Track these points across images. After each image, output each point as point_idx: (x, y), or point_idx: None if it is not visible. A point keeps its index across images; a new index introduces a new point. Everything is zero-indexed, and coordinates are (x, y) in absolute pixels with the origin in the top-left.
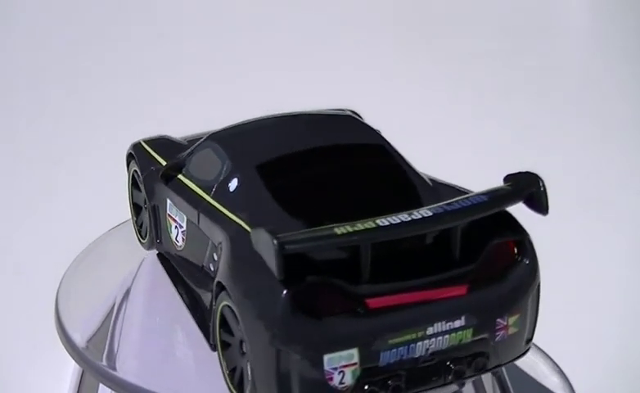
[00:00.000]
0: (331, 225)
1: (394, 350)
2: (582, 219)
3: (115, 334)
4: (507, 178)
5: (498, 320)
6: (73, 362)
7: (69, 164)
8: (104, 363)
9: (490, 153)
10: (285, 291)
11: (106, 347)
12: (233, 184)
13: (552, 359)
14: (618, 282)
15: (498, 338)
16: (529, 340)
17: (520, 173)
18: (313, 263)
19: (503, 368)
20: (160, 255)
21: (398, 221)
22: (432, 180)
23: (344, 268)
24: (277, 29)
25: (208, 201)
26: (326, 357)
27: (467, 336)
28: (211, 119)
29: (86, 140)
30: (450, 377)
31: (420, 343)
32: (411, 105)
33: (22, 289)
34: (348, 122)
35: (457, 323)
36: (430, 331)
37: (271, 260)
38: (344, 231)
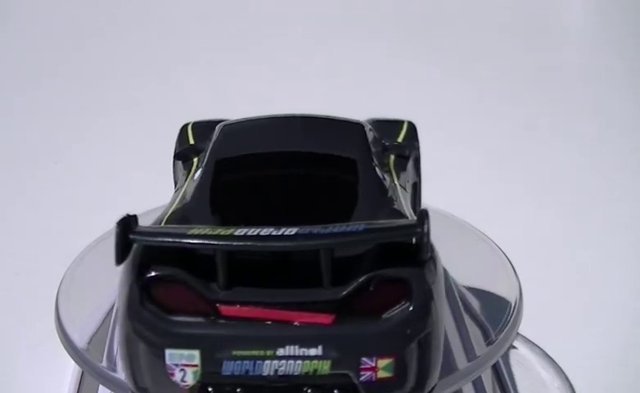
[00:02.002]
0: (192, 226)
1: (239, 362)
2: (582, 218)
3: (115, 334)
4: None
5: (364, 359)
6: (73, 362)
7: (69, 164)
8: (104, 363)
9: (490, 153)
10: (135, 280)
11: (106, 347)
12: (197, 174)
13: (552, 359)
14: (618, 282)
15: (363, 379)
16: (416, 390)
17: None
18: (179, 260)
19: (503, 368)
20: None
21: (255, 234)
22: (396, 208)
23: (208, 271)
24: (278, 28)
25: (185, 187)
26: (167, 351)
27: (324, 367)
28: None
29: (86, 140)
30: None
31: (268, 362)
32: (410, 105)
33: (22, 289)
34: (343, 131)
35: (313, 352)
36: (280, 352)
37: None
38: (196, 233)
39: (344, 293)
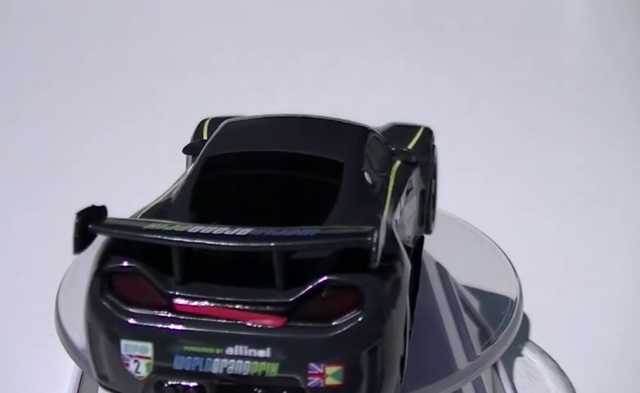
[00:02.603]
0: (151, 220)
1: (190, 358)
2: (583, 218)
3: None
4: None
5: (311, 365)
6: (73, 362)
7: (69, 163)
8: None
9: (490, 153)
10: (97, 271)
11: None
12: (189, 169)
13: (552, 359)
14: (619, 282)
15: (311, 384)
16: None
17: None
18: (143, 253)
19: (502, 368)
20: None
21: (208, 232)
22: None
23: (168, 266)
24: (279, 29)
25: (177, 181)
26: (122, 342)
27: (272, 370)
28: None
29: (86, 139)
30: None
31: (217, 360)
32: (410, 105)
33: (22, 289)
34: (339, 134)
35: (261, 354)
36: (230, 351)
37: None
38: (152, 228)
39: (296, 297)
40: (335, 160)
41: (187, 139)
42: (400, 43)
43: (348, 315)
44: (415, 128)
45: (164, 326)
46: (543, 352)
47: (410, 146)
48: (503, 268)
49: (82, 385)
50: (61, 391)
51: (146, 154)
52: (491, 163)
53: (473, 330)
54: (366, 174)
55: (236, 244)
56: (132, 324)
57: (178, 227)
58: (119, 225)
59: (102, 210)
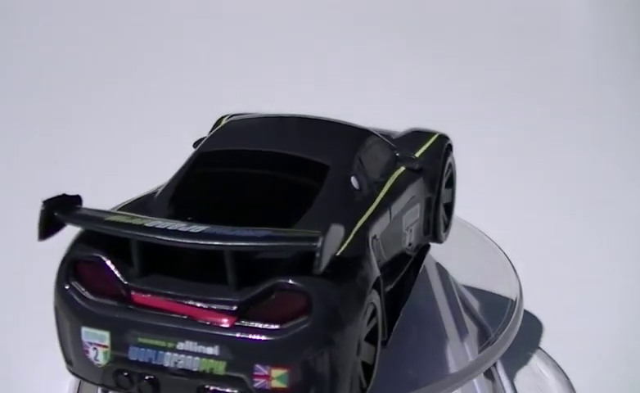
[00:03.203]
0: (117, 213)
1: (143, 350)
2: (583, 218)
3: None
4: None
5: (257, 366)
6: None
7: (68, 163)
8: None
9: (490, 153)
10: (63, 258)
11: None
12: (182, 163)
13: (552, 359)
14: (619, 282)
15: (257, 385)
16: None
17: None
18: (110, 244)
19: (502, 368)
20: None
21: (163, 227)
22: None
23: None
24: (280, 29)
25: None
26: (83, 329)
27: (220, 368)
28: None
29: (86, 138)
30: None
31: (169, 354)
32: (410, 105)
33: (22, 289)
34: (335, 137)
35: (210, 351)
36: (180, 346)
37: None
38: (111, 220)
39: (246, 298)
40: (320, 162)
41: (190, 139)
42: (403, 43)
43: (296, 320)
44: (429, 134)
45: (121, 316)
46: (542, 352)
47: (418, 153)
48: (503, 268)
49: (82, 385)
50: (61, 391)
51: (147, 154)
52: (491, 163)
53: (473, 330)
54: (352, 179)
55: (185, 241)
56: (92, 312)
57: (137, 220)
58: (83, 215)
59: (75, 199)
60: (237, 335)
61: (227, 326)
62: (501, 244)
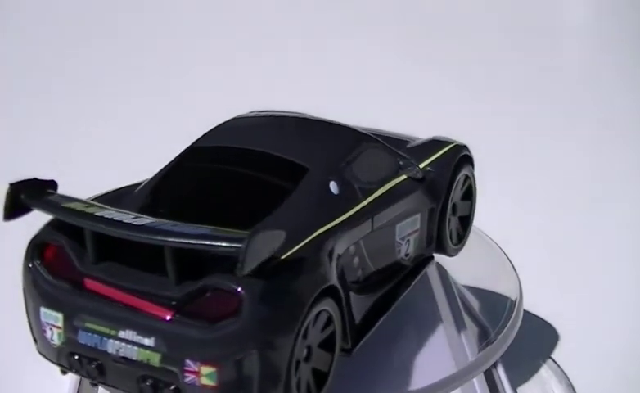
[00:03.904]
0: (80, 200)
1: (90, 335)
2: (583, 218)
3: None
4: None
5: (188, 362)
6: None
7: (68, 163)
8: None
9: (490, 152)
10: (31, 239)
11: None
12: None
13: (552, 359)
14: (619, 282)
15: (187, 381)
16: None
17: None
18: (74, 231)
19: (502, 368)
20: None
21: (109, 217)
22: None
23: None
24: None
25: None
26: (42, 309)
27: (155, 359)
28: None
29: (86, 138)
30: (141, 388)
31: (112, 341)
32: (410, 105)
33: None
34: (327, 139)
35: (147, 341)
36: (122, 334)
37: None
38: (64, 206)
39: (183, 293)
40: (300, 164)
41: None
42: (403, 44)
43: (227, 319)
44: (444, 143)
45: (73, 300)
46: (543, 352)
47: (427, 162)
48: (503, 268)
49: (82, 385)
50: (61, 391)
51: (148, 153)
52: (491, 163)
53: (473, 330)
54: (332, 184)
55: (124, 232)
56: (50, 293)
57: (90, 209)
58: (44, 200)
59: (48, 184)
60: (173, 329)
61: (163, 319)
62: (501, 244)
